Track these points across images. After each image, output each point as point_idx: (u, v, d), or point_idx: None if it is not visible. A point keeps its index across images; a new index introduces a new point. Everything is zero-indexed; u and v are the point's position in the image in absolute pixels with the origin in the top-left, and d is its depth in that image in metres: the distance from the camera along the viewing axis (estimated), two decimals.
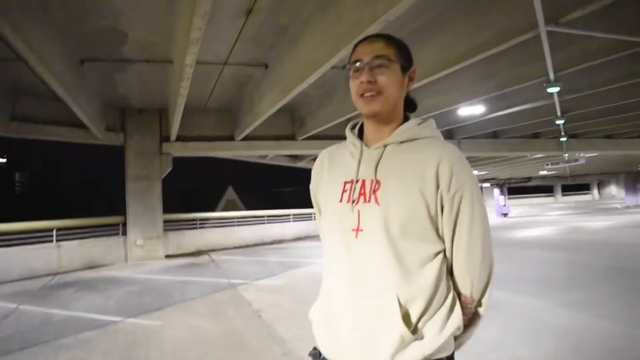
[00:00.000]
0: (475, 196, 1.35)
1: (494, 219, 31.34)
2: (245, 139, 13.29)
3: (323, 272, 1.52)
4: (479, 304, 1.42)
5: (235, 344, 5.10)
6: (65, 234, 11.44)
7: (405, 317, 1.29)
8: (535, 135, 17.62)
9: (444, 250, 1.38)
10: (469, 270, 1.37)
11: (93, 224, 12.54)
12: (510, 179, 39.12)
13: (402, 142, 1.41)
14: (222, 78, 10.07)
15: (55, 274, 10.48)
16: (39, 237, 10.88)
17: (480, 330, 1.43)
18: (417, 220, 1.33)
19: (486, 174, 34.14)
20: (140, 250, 12.67)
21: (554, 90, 8.30)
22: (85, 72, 8.76)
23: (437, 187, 1.33)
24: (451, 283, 1.39)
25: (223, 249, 15.23)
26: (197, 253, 14.22)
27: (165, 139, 13.11)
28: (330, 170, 1.56)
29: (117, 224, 12.95)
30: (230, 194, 37.74)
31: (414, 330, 1.30)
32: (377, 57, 1.38)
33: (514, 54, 7.92)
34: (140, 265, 11.79)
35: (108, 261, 12.07)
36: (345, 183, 1.45)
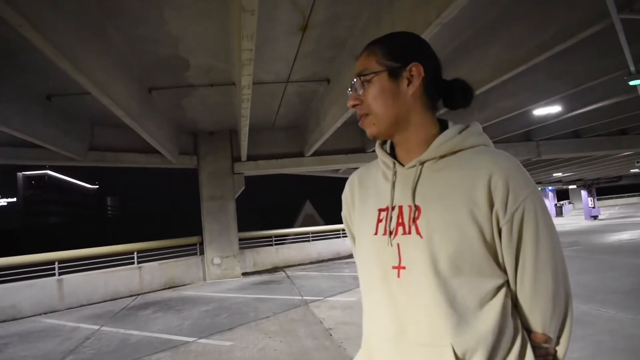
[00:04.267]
0: (540, 214, 1.11)
1: (582, 222, 29.76)
2: (315, 154, 13.36)
3: (363, 318, 1.30)
4: (557, 343, 1.17)
5: None
6: (146, 256, 11.89)
7: None
8: (622, 132, 16.35)
9: (507, 282, 1.15)
10: (539, 306, 1.13)
11: (172, 245, 13.00)
12: (598, 179, 37.03)
13: (442, 157, 1.19)
14: (286, 96, 10.15)
15: (136, 295, 10.92)
16: (122, 259, 11.38)
17: None
18: (471, 251, 1.10)
19: (571, 175, 32.42)
20: (218, 269, 12.96)
21: (637, 82, 7.68)
22: (154, 100, 9.09)
23: (491, 207, 1.10)
24: (519, 321, 1.15)
25: (299, 264, 15.36)
26: (273, 270, 14.40)
27: (237, 159, 13.44)
28: (362, 196, 1.36)
29: (195, 244, 13.36)
30: (308, 208, 37.83)
31: None
32: (359, 75, 1.23)
33: (587, 48, 7.39)
34: (217, 284, 12.06)
35: (187, 280, 12.44)
36: (380, 211, 1.24)
